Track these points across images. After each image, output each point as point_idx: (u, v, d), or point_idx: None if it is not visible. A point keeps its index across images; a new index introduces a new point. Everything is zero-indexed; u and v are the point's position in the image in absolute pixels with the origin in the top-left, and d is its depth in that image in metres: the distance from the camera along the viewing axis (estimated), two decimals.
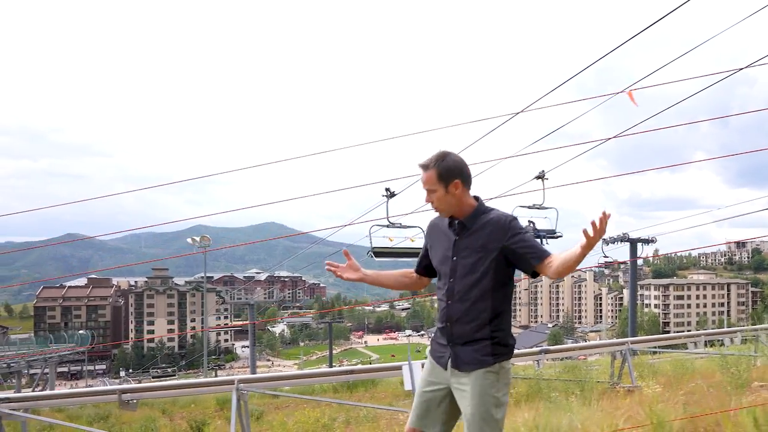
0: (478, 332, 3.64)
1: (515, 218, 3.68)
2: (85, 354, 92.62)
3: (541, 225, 14.96)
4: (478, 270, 3.63)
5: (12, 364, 50.50)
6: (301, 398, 11.19)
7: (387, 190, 17.34)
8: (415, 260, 4.12)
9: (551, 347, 11.35)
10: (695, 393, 6.49)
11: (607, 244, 33.15)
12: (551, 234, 14.79)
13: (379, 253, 19.95)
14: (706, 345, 14.66)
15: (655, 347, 13.13)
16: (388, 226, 18.78)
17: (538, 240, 14.21)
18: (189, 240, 44.89)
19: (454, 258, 3.72)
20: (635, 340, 12.12)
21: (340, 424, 9.38)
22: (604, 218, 3.16)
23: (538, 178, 11.54)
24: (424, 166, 3.70)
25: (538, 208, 13.54)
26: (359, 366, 15.86)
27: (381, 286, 4.19)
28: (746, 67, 9.18)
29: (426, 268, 4.02)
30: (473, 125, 9.58)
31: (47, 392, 9.70)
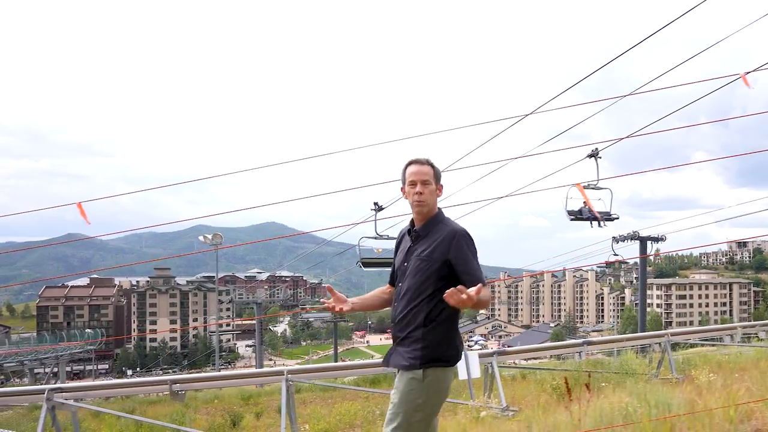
0: (411, 334, 3.71)
1: (465, 234, 3.75)
2: (92, 352, 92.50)
3: (596, 207, 14.43)
4: (422, 275, 3.72)
5: (25, 362, 50.51)
6: (349, 389, 11.16)
7: (375, 204, 18.19)
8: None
9: (594, 339, 11.32)
10: (752, 380, 6.48)
11: (617, 242, 33.17)
12: (607, 216, 14.33)
13: (367, 263, 21.33)
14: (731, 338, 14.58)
15: (695, 339, 13.03)
16: (376, 238, 19.71)
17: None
18: (201, 238, 44.66)
19: (405, 263, 3.86)
20: (675, 332, 12.10)
21: (379, 417, 9.36)
22: (477, 292, 3.28)
23: (590, 156, 11.28)
24: (422, 162, 3.88)
25: (592, 188, 13.23)
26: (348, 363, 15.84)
27: (368, 310, 4.19)
28: (750, 72, 9.21)
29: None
30: (476, 127, 9.61)
31: (99, 382, 9.74)
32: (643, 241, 32.36)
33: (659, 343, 10.17)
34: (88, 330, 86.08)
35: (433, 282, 3.69)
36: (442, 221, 3.84)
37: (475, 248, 3.76)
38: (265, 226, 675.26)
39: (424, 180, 3.81)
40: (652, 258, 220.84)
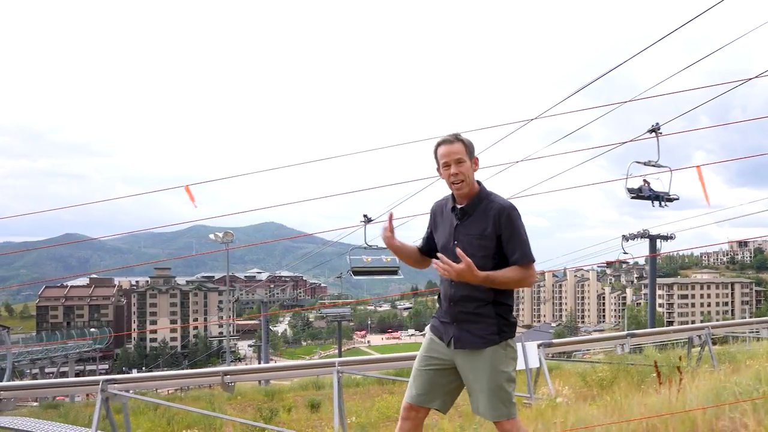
0: (481, 312, 3.73)
1: (514, 208, 3.76)
2: (99, 351, 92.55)
3: (656, 186, 13.90)
4: (478, 255, 3.67)
5: (36, 360, 50.55)
6: (398, 380, 11.14)
7: (365, 216, 19.14)
8: (388, 277, 4.35)
9: (637, 331, 11.38)
10: None
11: (627, 240, 33.28)
12: (666, 196, 13.88)
13: (358, 272, 22.72)
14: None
15: (733, 332, 13.02)
16: (365, 248, 21.13)
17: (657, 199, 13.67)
18: (212, 236, 44.68)
19: (455, 242, 3.79)
20: (715, 325, 12.11)
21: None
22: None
23: (651, 131, 10.98)
24: (451, 140, 3.82)
25: (653, 165, 12.95)
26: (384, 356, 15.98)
27: (400, 256, 4.18)
28: (755, 77, 9.27)
29: (429, 250, 4.06)
30: (482, 129, 9.70)
31: (151, 374, 9.86)
32: (653, 239, 32.48)
33: (699, 336, 10.22)
34: (93, 329, 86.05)
35: (491, 258, 3.71)
36: (487, 197, 3.82)
37: (523, 222, 3.76)
38: (264, 226, 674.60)
39: (457, 159, 3.77)
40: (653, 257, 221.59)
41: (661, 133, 10.79)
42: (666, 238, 32.57)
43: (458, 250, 3.57)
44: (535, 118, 10.13)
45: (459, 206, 3.84)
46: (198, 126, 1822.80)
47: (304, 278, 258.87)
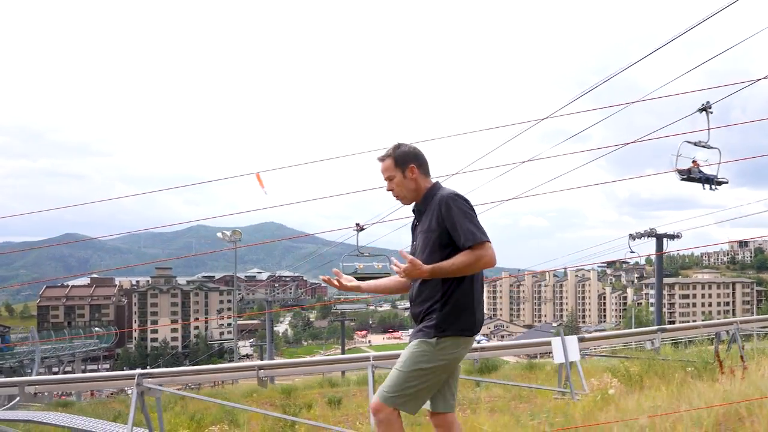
0: (428, 309, 3.74)
1: (452, 196, 3.75)
2: (104, 350, 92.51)
3: (706, 170, 13.29)
4: (428, 249, 3.76)
5: (48, 358, 50.47)
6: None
7: (357, 224, 19.59)
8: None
9: (668, 326, 11.38)
10: None
11: (633, 239, 33.32)
12: (716, 179, 13.29)
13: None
14: None
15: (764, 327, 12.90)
16: (357, 255, 21.74)
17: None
18: (219, 234, 44.86)
19: (414, 242, 3.93)
20: (744, 320, 12.04)
21: (471, 403, 9.32)
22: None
23: (702, 110, 10.54)
24: (382, 158, 3.93)
25: (703, 146, 12.53)
26: (490, 343, 16.49)
27: (381, 293, 4.37)
28: (761, 79, 9.26)
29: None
30: (484, 131, 9.73)
31: (186, 368, 9.98)
32: (659, 238, 32.54)
33: (727, 332, 10.23)
34: (97, 328, 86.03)
35: (438, 253, 3.71)
36: (435, 193, 3.86)
37: (467, 206, 3.74)
38: (264, 226, 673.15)
39: (388, 176, 3.91)
40: (653, 257, 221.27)
41: (711, 112, 10.41)
42: (672, 237, 32.63)
43: (400, 251, 3.67)
44: (545, 117, 10.12)
45: (415, 207, 3.97)
46: (198, 125, 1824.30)
47: (304, 278, 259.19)
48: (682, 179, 13.24)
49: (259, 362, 8.67)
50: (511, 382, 10.78)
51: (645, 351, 10.07)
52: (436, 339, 3.69)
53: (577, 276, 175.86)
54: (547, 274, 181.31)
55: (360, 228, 19.68)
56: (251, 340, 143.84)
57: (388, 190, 3.92)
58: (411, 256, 3.60)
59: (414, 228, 3.98)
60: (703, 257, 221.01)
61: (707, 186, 13.33)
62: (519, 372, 14.02)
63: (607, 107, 10.34)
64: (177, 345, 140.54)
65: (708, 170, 13.02)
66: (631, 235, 33.09)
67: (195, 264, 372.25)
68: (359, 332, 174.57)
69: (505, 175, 11.14)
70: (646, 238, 32.67)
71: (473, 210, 3.76)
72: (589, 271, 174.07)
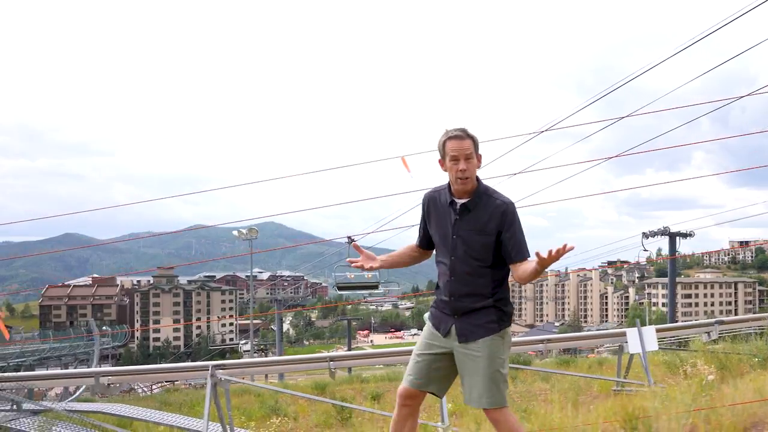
0: (480, 304, 3.85)
1: (514, 205, 3.86)
2: (116, 348, 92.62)
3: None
4: (477, 250, 3.82)
5: (61, 357, 50.57)
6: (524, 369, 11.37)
7: (348, 237, 20.97)
8: (371, 291, 4.46)
9: (725, 318, 11.49)
10: None
11: (647, 237, 33.39)
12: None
13: (342, 287, 24.80)
14: None
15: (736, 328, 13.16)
16: (347, 265, 22.47)
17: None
18: (234, 233, 45.19)
19: (455, 237, 3.88)
20: None
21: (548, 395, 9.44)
22: (563, 250, 3.44)
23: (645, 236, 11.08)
24: (460, 136, 3.83)
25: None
26: (555, 335, 16.64)
27: (397, 267, 4.37)
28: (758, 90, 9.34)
29: (428, 242, 4.14)
30: (491, 141, 9.84)
31: (259, 360, 10.26)
32: (672, 236, 32.63)
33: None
34: (105, 327, 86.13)
35: (491, 253, 3.81)
36: (486, 192, 3.88)
37: (519, 218, 3.87)
38: (265, 227, 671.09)
39: (467, 155, 3.81)
40: (654, 258, 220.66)
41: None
42: (685, 235, 32.72)
43: (565, 245, 3.51)
44: (550, 128, 10.17)
45: (459, 201, 3.89)
46: (198, 124, 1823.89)
47: (305, 278, 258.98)
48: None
49: (331, 353, 8.77)
50: (581, 373, 10.89)
51: (696, 343, 10.17)
52: (503, 331, 3.89)
53: (579, 276, 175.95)
54: (549, 276, 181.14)
55: (351, 240, 20.51)
56: (255, 340, 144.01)
57: (460, 169, 3.79)
58: (555, 253, 3.50)
59: (454, 222, 3.90)
60: (704, 257, 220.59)
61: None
62: (557, 366, 14.11)
63: (623, 117, 10.47)
64: (179, 344, 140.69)
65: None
66: (644, 233, 33.15)
67: (196, 264, 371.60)
68: (361, 332, 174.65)
69: (506, 176, 11.17)
70: (659, 236, 32.78)
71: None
72: (590, 270, 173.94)
